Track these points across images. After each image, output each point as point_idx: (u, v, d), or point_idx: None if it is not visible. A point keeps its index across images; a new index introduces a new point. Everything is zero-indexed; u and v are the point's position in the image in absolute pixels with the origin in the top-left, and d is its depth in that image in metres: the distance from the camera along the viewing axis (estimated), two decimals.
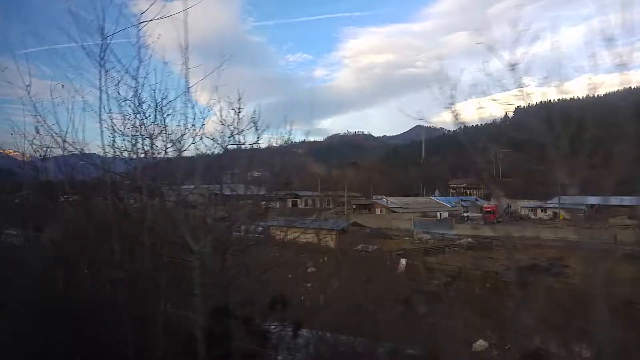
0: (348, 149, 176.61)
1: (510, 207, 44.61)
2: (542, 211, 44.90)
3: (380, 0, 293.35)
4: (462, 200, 52.31)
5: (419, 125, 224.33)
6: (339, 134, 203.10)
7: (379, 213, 44.99)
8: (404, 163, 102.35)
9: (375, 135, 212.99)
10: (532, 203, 46.40)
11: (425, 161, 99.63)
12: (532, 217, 44.39)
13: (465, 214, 45.34)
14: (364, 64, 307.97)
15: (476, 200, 53.22)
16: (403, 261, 22.99)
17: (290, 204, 61.40)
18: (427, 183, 72.69)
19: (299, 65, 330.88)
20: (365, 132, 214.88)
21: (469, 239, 29.21)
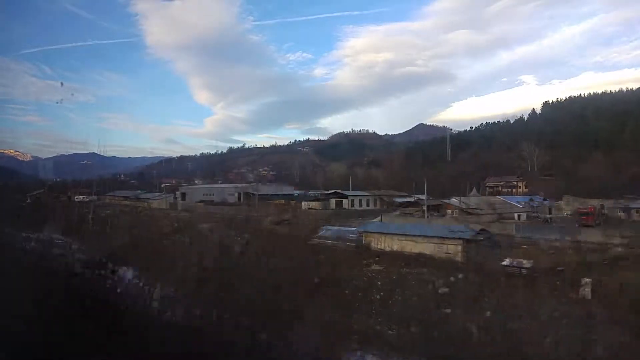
0: (353, 147, 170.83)
1: (604, 207, 38.66)
2: (637, 212, 39.01)
3: None
4: (531, 200, 46.32)
5: (421, 124, 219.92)
6: (343, 132, 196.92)
7: (450, 215, 38.57)
8: (426, 161, 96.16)
9: (379, 133, 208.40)
10: (619, 203, 40.65)
11: (451, 159, 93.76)
12: (625, 219, 38.44)
13: (547, 216, 39.18)
14: (363, 62, 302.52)
15: (543, 200, 47.29)
16: (587, 282, 16.32)
17: (334, 204, 54.78)
18: (456, 182, 66.84)
19: (299, 64, 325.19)
20: (370, 131, 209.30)
21: (618, 248, 22.73)
